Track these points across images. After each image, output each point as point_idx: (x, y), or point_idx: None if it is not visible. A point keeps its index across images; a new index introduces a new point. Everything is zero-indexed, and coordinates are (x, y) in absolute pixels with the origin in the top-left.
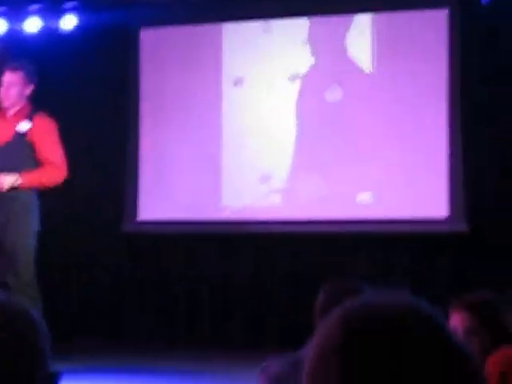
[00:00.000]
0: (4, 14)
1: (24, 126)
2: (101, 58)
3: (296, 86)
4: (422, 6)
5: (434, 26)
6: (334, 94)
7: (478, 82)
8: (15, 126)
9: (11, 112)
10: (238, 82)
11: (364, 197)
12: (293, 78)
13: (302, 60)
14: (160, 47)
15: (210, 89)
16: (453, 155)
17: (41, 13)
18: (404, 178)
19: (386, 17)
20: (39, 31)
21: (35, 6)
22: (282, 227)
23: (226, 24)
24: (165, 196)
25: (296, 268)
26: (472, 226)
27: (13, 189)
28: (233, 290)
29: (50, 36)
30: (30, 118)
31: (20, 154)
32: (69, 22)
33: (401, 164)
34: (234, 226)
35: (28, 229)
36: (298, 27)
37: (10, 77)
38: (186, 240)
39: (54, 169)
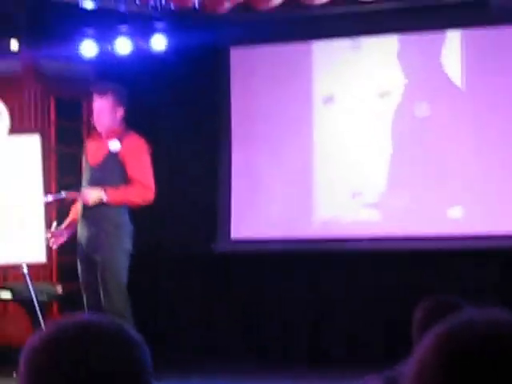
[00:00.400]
0: (93, 37)
1: (115, 146)
2: (191, 76)
3: (386, 103)
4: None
5: None
6: (423, 110)
7: None
8: (107, 146)
9: (104, 133)
10: (328, 100)
11: (454, 212)
12: (383, 94)
13: (392, 77)
14: (250, 65)
15: (301, 107)
16: None
17: (130, 34)
18: (494, 192)
19: (476, 32)
20: (130, 52)
21: (124, 27)
22: (374, 243)
23: (315, 42)
24: (257, 214)
25: (387, 283)
26: None
27: (102, 204)
28: (325, 307)
29: (141, 56)
30: (121, 138)
31: (112, 173)
32: (159, 43)
33: (491, 178)
34: (326, 242)
35: (119, 249)
36: (387, 44)
37: (99, 103)
38: (279, 257)
39: (140, 187)
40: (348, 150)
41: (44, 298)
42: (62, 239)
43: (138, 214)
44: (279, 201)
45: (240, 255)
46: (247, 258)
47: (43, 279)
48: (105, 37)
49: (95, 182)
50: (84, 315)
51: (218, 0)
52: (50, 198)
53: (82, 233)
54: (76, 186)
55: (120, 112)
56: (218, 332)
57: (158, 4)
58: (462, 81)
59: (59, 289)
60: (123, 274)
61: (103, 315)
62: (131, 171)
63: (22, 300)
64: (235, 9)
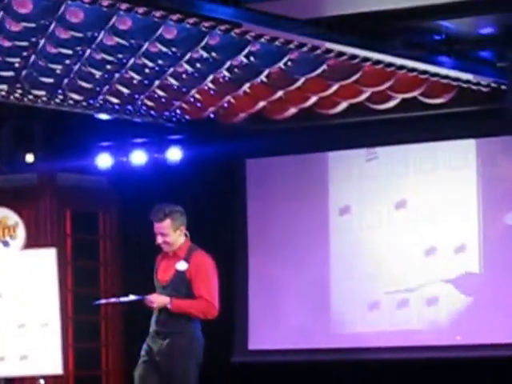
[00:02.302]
0: (109, 149)
1: (182, 265)
2: (207, 187)
3: (402, 214)
4: None
5: None
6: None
7: None
8: (175, 264)
9: (171, 253)
10: (344, 211)
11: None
12: (398, 205)
13: (408, 187)
14: (266, 176)
15: (317, 217)
16: None
17: (146, 146)
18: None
19: (490, 142)
20: (146, 163)
21: (140, 140)
22: (392, 354)
23: (331, 152)
24: (275, 325)
25: None
26: None
27: (177, 318)
28: None
29: (157, 167)
30: (188, 257)
31: (180, 289)
32: (174, 154)
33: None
34: (344, 352)
35: (191, 362)
36: (401, 153)
37: (158, 227)
38: (297, 368)
39: (204, 303)
40: (365, 262)
41: None
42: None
43: None
44: (296, 312)
45: (258, 366)
46: (265, 369)
47: None
48: (120, 149)
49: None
50: None
51: (233, 111)
52: (117, 300)
53: (154, 344)
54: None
55: (181, 231)
56: None
57: (173, 115)
58: (477, 187)
59: None
60: None
61: None
62: (197, 288)
63: None
64: (250, 120)
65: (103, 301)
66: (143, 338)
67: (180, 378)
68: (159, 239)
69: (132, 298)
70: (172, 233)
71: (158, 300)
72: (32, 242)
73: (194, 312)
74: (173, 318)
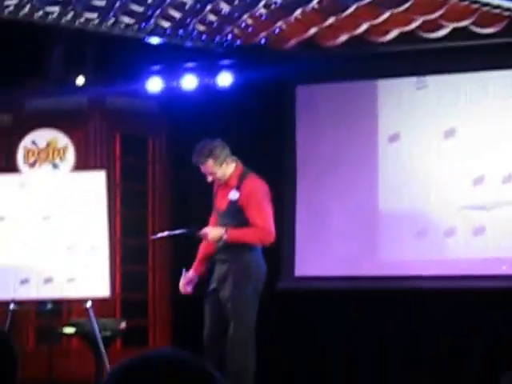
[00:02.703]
0: (159, 73)
1: (233, 194)
2: (257, 113)
3: (452, 143)
4: None
5: None
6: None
7: None
8: (228, 193)
9: (223, 183)
10: (393, 139)
11: None
12: (447, 134)
13: (457, 117)
14: (316, 103)
15: (366, 145)
16: None
17: (196, 70)
18: None
19: None
20: (196, 88)
21: (190, 64)
22: (438, 283)
23: (381, 80)
24: (322, 252)
25: (452, 327)
26: None
27: (235, 246)
28: (389, 351)
29: (208, 92)
30: (239, 185)
31: (234, 218)
32: (225, 79)
33: None
34: (391, 280)
35: (248, 288)
36: (451, 83)
37: (204, 169)
38: (343, 296)
39: (259, 230)
40: (413, 190)
41: (107, 333)
42: (191, 285)
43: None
44: (344, 239)
45: (304, 292)
46: (311, 296)
47: (107, 315)
48: (171, 73)
49: (222, 227)
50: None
51: (284, 37)
52: (171, 233)
53: (216, 269)
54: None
55: (227, 163)
56: (284, 366)
57: (224, 40)
58: None
59: (123, 324)
60: (250, 318)
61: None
62: (250, 216)
63: (85, 335)
64: (301, 46)
65: (160, 234)
66: (190, 263)
67: (235, 310)
68: (209, 178)
69: (187, 230)
70: (218, 169)
71: (212, 232)
72: (81, 165)
73: (249, 240)
74: (230, 245)
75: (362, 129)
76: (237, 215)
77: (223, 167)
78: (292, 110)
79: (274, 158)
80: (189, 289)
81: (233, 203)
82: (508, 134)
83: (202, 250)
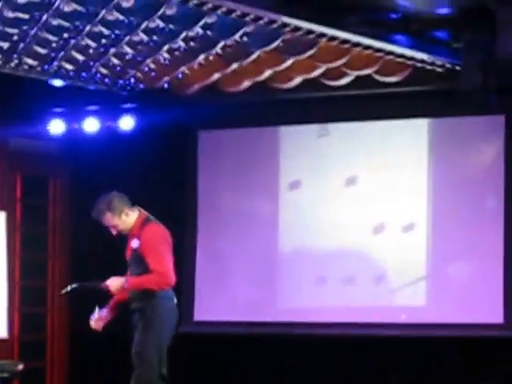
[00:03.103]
0: (62, 115)
1: (134, 243)
2: (159, 157)
3: (352, 191)
4: (478, 113)
5: (490, 132)
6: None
7: None
8: (131, 243)
9: (129, 233)
10: (294, 186)
11: (418, 302)
12: (348, 182)
13: (358, 165)
14: (218, 148)
15: (267, 191)
16: (509, 265)
17: (99, 114)
18: (461, 284)
19: (442, 122)
20: (98, 131)
21: (93, 107)
22: (335, 330)
23: (283, 127)
24: (221, 298)
25: (347, 368)
26: None
27: (146, 293)
28: None
29: (110, 135)
30: (139, 234)
31: (138, 267)
32: (127, 123)
33: (458, 271)
34: (290, 327)
35: (148, 340)
36: (353, 131)
37: (104, 222)
38: (242, 341)
39: (157, 275)
40: (313, 238)
41: (5, 374)
42: (103, 322)
43: None
44: (244, 285)
45: (203, 336)
46: (210, 340)
47: (4, 356)
48: (73, 116)
49: (129, 275)
50: None
51: (187, 82)
52: (75, 287)
53: (132, 318)
54: None
55: (126, 213)
56: None
57: (127, 84)
58: (428, 166)
59: (20, 366)
60: (152, 363)
61: None
62: (149, 262)
63: None
64: (204, 91)
65: (69, 287)
66: (88, 304)
67: (138, 356)
68: (113, 231)
69: (92, 283)
70: (118, 221)
71: (112, 284)
72: None
73: (148, 286)
74: (139, 294)
75: (264, 175)
76: (140, 263)
77: (123, 218)
78: (194, 155)
79: (175, 203)
80: (100, 325)
81: (135, 252)
82: (408, 184)
83: (116, 296)
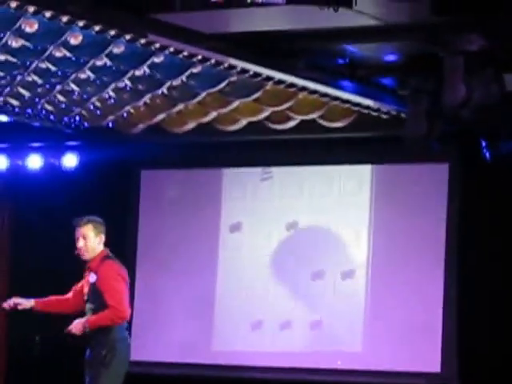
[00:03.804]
0: (5, 151)
1: (92, 277)
2: (101, 195)
3: (293, 235)
4: (422, 160)
5: (433, 180)
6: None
7: (474, 242)
8: (89, 277)
9: (88, 264)
10: (235, 228)
11: (355, 348)
12: (289, 226)
13: (300, 210)
14: (160, 188)
15: (207, 233)
16: (447, 315)
17: (43, 150)
18: (398, 332)
19: (386, 168)
20: (41, 167)
21: (37, 144)
22: (270, 374)
23: (226, 169)
24: (157, 338)
25: None
26: None
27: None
28: None
29: (53, 173)
30: (98, 269)
31: (95, 300)
32: (71, 160)
33: (396, 319)
34: (224, 369)
35: (103, 377)
36: (296, 175)
37: (80, 231)
38: (176, 382)
39: (113, 311)
40: (251, 282)
41: None
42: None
43: None
44: (179, 326)
45: (139, 377)
46: (146, 381)
47: None
48: (16, 152)
49: (87, 312)
50: None
51: (132, 121)
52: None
53: (86, 360)
54: None
55: (101, 239)
56: None
57: (72, 121)
58: (369, 215)
59: None
60: None
61: None
62: (106, 299)
63: None
64: (148, 131)
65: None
66: (24, 340)
67: None
68: (80, 242)
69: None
70: (93, 237)
71: (75, 327)
72: None
73: (105, 322)
74: (95, 330)
75: (205, 216)
76: (98, 298)
77: (96, 240)
78: (136, 194)
79: (115, 242)
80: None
81: (92, 286)
82: (349, 230)
83: (59, 302)
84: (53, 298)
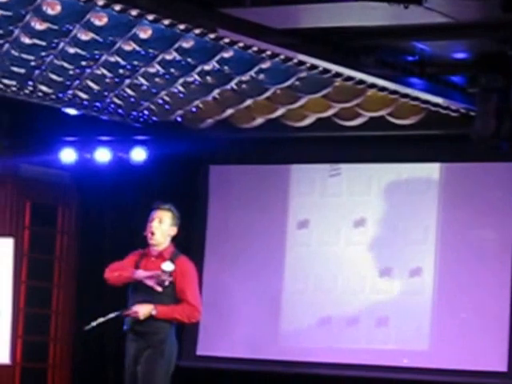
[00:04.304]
0: (74, 144)
1: (168, 266)
2: (169, 189)
3: (360, 232)
4: (491, 159)
5: (502, 179)
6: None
7: None
8: (160, 264)
9: (155, 252)
10: (302, 225)
11: (421, 346)
12: (357, 223)
13: (368, 206)
14: (228, 183)
15: (275, 229)
16: None
17: (112, 144)
18: (465, 331)
19: (454, 167)
20: (110, 161)
21: (105, 138)
22: (337, 371)
23: (294, 165)
24: (224, 333)
25: None
26: None
27: (151, 319)
28: None
29: (121, 166)
30: (174, 259)
31: (163, 290)
32: (139, 155)
33: (463, 317)
34: (291, 366)
35: (160, 364)
36: (365, 172)
37: (159, 214)
38: (243, 378)
39: (188, 307)
40: (319, 278)
41: None
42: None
43: None
44: (247, 322)
45: (205, 371)
46: (212, 375)
47: (5, 383)
48: (85, 145)
49: (143, 297)
50: None
51: (201, 116)
52: (103, 319)
53: (130, 344)
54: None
55: (173, 231)
56: None
57: (141, 115)
58: (438, 211)
59: None
60: None
61: None
62: (181, 292)
63: None
64: (217, 126)
65: (93, 323)
66: (91, 334)
67: (148, 379)
68: (155, 224)
69: (117, 313)
70: (169, 224)
71: (142, 310)
72: None
73: (178, 317)
74: (148, 319)
75: (273, 213)
76: (166, 288)
77: (170, 229)
78: (204, 189)
79: (183, 237)
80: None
81: (165, 274)
82: (418, 227)
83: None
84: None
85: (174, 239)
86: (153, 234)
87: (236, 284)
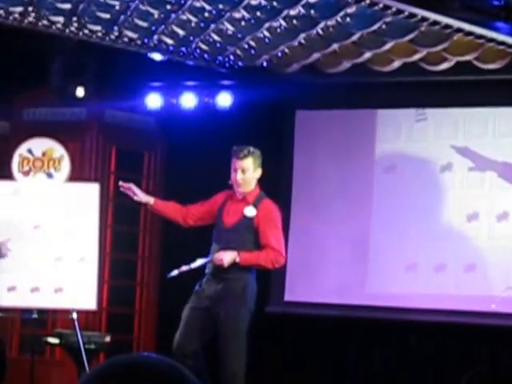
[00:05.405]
0: (159, 90)
1: (250, 211)
2: (255, 135)
3: (447, 177)
4: None
5: None
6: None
7: None
8: (243, 209)
9: (240, 196)
10: (389, 169)
11: (509, 292)
12: (443, 168)
13: (455, 151)
14: (315, 128)
15: (362, 174)
16: None
17: (197, 89)
18: None
19: None
20: (195, 107)
21: (191, 83)
22: (424, 316)
23: (380, 110)
24: (311, 279)
25: (435, 356)
26: None
27: (233, 264)
28: (373, 380)
29: (206, 112)
30: (257, 203)
31: (244, 236)
32: (225, 100)
33: None
34: (378, 311)
35: (243, 309)
36: (451, 117)
37: (241, 163)
38: (330, 323)
39: (272, 252)
40: (406, 223)
41: (91, 346)
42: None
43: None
44: (334, 268)
45: (292, 317)
46: (299, 321)
47: (92, 328)
48: (170, 90)
49: (226, 243)
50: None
51: (286, 60)
52: (187, 267)
53: (208, 286)
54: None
55: (258, 173)
56: None
57: (226, 61)
58: None
59: (107, 338)
60: (243, 334)
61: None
62: (264, 237)
63: (69, 346)
64: (303, 70)
65: (176, 271)
66: (179, 281)
67: (231, 325)
68: (238, 175)
69: (202, 261)
70: (252, 171)
71: (226, 258)
72: (76, 176)
73: (262, 263)
74: (232, 266)
75: (359, 157)
76: (245, 233)
77: (255, 174)
78: (290, 134)
79: (269, 182)
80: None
81: (247, 219)
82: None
83: (175, 209)
84: (171, 203)
85: (260, 180)
86: (239, 185)
87: (323, 230)
